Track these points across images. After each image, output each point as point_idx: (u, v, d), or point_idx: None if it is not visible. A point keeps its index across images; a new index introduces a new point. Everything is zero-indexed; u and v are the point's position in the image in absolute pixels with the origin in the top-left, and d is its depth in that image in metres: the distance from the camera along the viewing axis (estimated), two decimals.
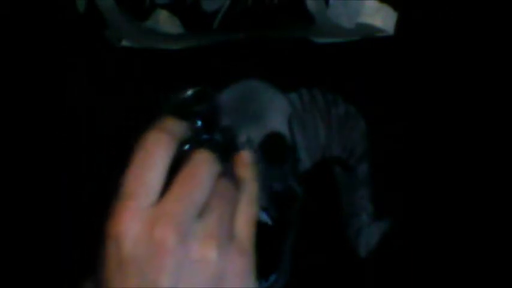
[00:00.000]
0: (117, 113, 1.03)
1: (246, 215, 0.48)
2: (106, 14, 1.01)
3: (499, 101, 1.01)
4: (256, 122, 0.94)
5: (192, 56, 1.03)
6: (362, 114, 0.98)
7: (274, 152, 0.94)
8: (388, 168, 1.00)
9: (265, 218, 0.89)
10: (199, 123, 0.49)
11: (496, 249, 0.98)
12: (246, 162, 0.51)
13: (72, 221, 0.98)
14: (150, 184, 0.45)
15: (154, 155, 0.46)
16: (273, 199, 0.91)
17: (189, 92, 0.51)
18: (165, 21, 1.01)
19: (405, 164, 1.00)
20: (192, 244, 0.44)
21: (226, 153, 0.49)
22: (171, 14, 1.01)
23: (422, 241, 0.99)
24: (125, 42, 1.03)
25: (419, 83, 1.02)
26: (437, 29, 1.02)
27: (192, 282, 0.44)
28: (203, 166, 0.46)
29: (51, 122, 1.04)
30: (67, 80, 1.05)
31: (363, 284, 0.99)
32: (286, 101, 0.96)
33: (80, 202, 0.99)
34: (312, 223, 0.98)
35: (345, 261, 0.99)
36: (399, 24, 1.01)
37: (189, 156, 0.47)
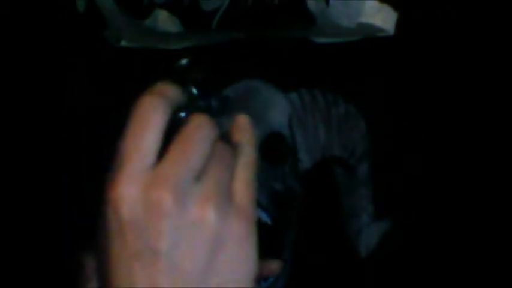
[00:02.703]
0: (117, 113, 1.03)
1: (244, 178, 0.47)
2: (106, 14, 1.01)
3: (499, 100, 1.01)
4: (257, 122, 0.93)
5: (192, 56, 1.03)
6: (362, 114, 0.98)
7: (274, 152, 0.94)
8: (388, 168, 1.00)
9: (265, 218, 0.89)
10: (194, 90, 0.49)
11: (496, 249, 0.98)
12: (242, 126, 0.51)
13: (72, 221, 0.98)
14: (146, 148, 0.45)
15: (149, 118, 0.46)
16: (273, 199, 0.91)
17: (183, 61, 0.51)
18: (164, 21, 1.01)
19: (405, 164, 1.00)
20: (190, 206, 0.44)
21: (222, 118, 0.49)
22: (170, 13, 1.01)
23: (422, 241, 0.99)
24: (124, 43, 1.03)
25: (419, 83, 1.02)
26: (437, 29, 1.02)
27: (191, 244, 0.44)
28: (200, 129, 0.46)
29: (51, 122, 1.04)
30: (67, 80, 1.05)
31: (363, 284, 0.99)
32: (286, 101, 0.96)
33: (80, 202, 0.99)
34: (312, 223, 0.98)
35: (345, 261, 0.99)
36: (399, 24, 1.01)
37: (185, 122, 0.46)
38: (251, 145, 0.50)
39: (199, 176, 0.45)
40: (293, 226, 0.93)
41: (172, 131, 0.46)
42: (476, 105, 1.01)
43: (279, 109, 0.95)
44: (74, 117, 1.03)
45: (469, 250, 0.98)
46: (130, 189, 0.44)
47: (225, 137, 0.49)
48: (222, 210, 0.45)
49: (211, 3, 1.00)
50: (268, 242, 0.90)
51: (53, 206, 1.00)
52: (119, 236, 0.44)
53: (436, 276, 0.98)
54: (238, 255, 0.45)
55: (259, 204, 0.90)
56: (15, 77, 1.04)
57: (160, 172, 0.45)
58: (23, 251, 1.00)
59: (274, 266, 0.65)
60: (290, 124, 0.95)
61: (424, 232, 0.99)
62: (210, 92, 0.51)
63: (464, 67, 1.01)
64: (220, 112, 0.51)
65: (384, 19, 1.00)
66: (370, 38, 1.01)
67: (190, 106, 0.48)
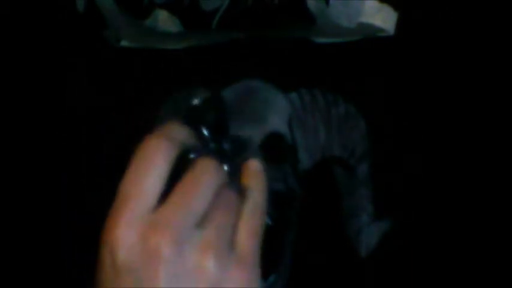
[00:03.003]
0: (116, 113, 1.03)
1: (249, 226, 0.46)
2: (106, 14, 1.01)
3: (499, 100, 1.01)
4: (257, 122, 0.94)
5: (192, 56, 1.03)
6: (362, 114, 0.98)
7: (274, 152, 0.94)
8: (388, 168, 1.00)
9: (265, 210, 0.89)
10: (205, 132, 0.47)
11: (496, 249, 0.98)
12: (253, 171, 0.49)
13: (72, 221, 0.98)
14: (147, 190, 0.44)
15: (153, 160, 0.44)
16: (273, 199, 0.91)
17: (197, 100, 0.49)
18: (164, 21, 1.01)
19: (405, 164, 1.00)
20: (189, 253, 0.43)
21: (234, 162, 0.47)
22: (170, 13, 1.01)
23: (422, 241, 0.99)
24: (124, 43, 1.03)
25: (419, 83, 1.02)
26: (437, 29, 1.02)
27: None
28: (205, 174, 0.44)
29: (51, 122, 1.04)
30: (67, 80, 1.05)
31: (363, 284, 0.99)
32: (286, 101, 0.96)
33: (80, 202, 0.99)
34: (312, 223, 0.98)
35: (345, 261, 0.99)
36: (399, 24, 1.01)
37: (192, 165, 0.44)
38: (260, 191, 0.49)
39: (201, 223, 0.44)
40: (293, 226, 0.93)
41: (181, 173, 0.44)
42: (476, 105, 1.01)
43: (279, 109, 0.95)
44: (74, 117, 1.03)
45: (469, 250, 0.98)
46: (128, 233, 0.43)
47: (235, 182, 0.47)
48: (222, 258, 0.44)
49: (211, 3, 1.00)
50: (268, 242, 0.90)
51: (53, 206, 1.00)
52: (115, 279, 0.43)
53: (436, 276, 0.98)
54: None
55: None
56: (15, 77, 1.04)
57: (160, 217, 0.43)
58: (23, 251, 1.00)
59: None
60: (290, 124, 0.95)
61: (424, 232, 0.99)
62: (222, 134, 0.49)
63: (464, 67, 1.01)
64: (233, 154, 0.48)
65: (384, 19, 1.00)
66: (370, 38, 1.01)
67: (201, 148, 0.46)
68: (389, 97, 1.01)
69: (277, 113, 0.95)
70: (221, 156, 0.46)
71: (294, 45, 1.02)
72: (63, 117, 1.03)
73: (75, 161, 1.02)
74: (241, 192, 0.47)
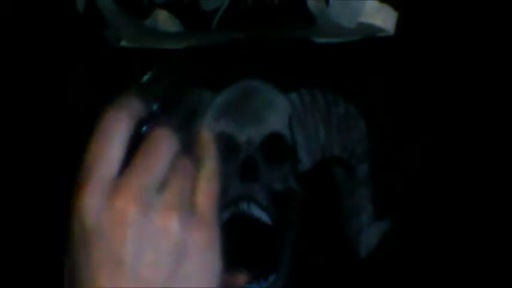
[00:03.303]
0: None
1: (206, 190, 0.49)
2: (105, 14, 1.01)
3: (499, 100, 1.01)
4: (257, 122, 0.94)
5: (192, 56, 1.03)
6: (362, 114, 0.98)
7: (274, 152, 0.94)
8: (388, 168, 1.00)
9: (265, 218, 0.89)
10: (155, 106, 0.50)
11: (496, 249, 0.98)
12: (204, 142, 0.52)
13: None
14: (109, 159, 0.46)
15: (112, 131, 0.47)
16: (273, 199, 0.91)
17: (146, 75, 0.52)
18: (164, 21, 1.01)
19: (405, 164, 1.00)
20: (153, 215, 0.45)
21: (186, 133, 0.50)
22: (170, 13, 1.01)
23: (422, 241, 0.99)
24: (124, 43, 1.03)
25: (419, 83, 1.02)
26: (437, 29, 1.02)
27: (155, 252, 0.45)
28: (161, 141, 0.47)
29: (51, 122, 1.04)
30: (67, 80, 1.05)
31: (363, 284, 0.99)
32: (286, 101, 0.96)
33: None
34: (312, 223, 0.98)
35: (345, 261, 0.99)
36: (399, 24, 1.01)
37: (147, 136, 0.48)
38: (212, 158, 0.51)
39: (161, 187, 0.46)
40: (293, 226, 0.93)
41: (135, 144, 0.47)
42: (476, 105, 1.01)
43: (279, 109, 0.95)
44: (74, 117, 1.03)
45: (469, 250, 0.98)
46: (94, 199, 0.45)
47: (189, 151, 0.50)
48: (184, 219, 0.46)
49: (211, 3, 1.00)
50: (268, 242, 0.90)
51: (52, 206, 1.00)
52: (84, 245, 0.46)
53: (436, 276, 0.98)
54: (201, 263, 0.46)
55: (259, 205, 0.90)
56: (15, 77, 1.04)
57: (124, 182, 0.45)
58: (23, 251, 1.00)
59: (242, 278, 0.65)
60: (290, 124, 0.95)
61: (424, 232, 0.99)
62: (172, 108, 0.52)
63: (465, 67, 1.01)
64: (184, 127, 0.52)
65: (384, 19, 1.00)
66: (370, 38, 1.01)
67: (152, 121, 0.49)
68: (390, 97, 1.01)
69: (277, 113, 0.95)
70: (173, 128, 0.49)
71: (294, 45, 1.02)
72: (63, 117, 1.03)
73: (75, 161, 1.02)
74: (195, 162, 0.49)
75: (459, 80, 1.02)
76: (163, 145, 0.47)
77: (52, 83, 1.05)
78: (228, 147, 0.92)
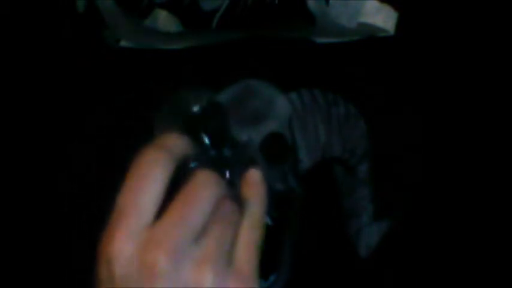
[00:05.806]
0: (116, 113, 1.03)
1: (248, 239, 0.46)
2: (105, 14, 1.01)
3: (500, 101, 1.01)
4: (256, 122, 0.94)
5: (192, 56, 1.03)
6: (362, 114, 0.98)
7: (274, 152, 0.93)
8: (388, 168, 1.00)
9: (265, 218, 0.89)
10: (206, 139, 0.47)
11: (496, 249, 0.98)
12: (253, 181, 0.49)
13: (71, 222, 0.98)
14: (144, 205, 0.43)
15: (150, 174, 0.44)
16: (273, 199, 0.91)
17: (195, 108, 0.48)
18: (164, 21, 1.01)
19: (405, 163, 1.00)
20: (186, 269, 0.42)
21: (235, 168, 0.47)
22: (170, 13, 1.01)
23: (422, 241, 0.99)
24: (123, 43, 1.03)
25: (420, 83, 1.02)
26: (437, 29, 1.02)
27: None
28: (203, 187, 0.44)
29: (51, 122, 1.04)
30: (67, 80, 1.05)
31: (363, 284, 0.99)
32: (286, 101, 0.96)
33: (79, 202, 0.99)
34: (312, 223, 0.98)
35: (345, 261, 0.99)
36: (399, 24, 1.01)
37: (190, 177, 0.44)
38: (259, 203, 0.49)
39: (199, 236, 0.44)
40: (293, 226, 0.93)
41: (180, 181, 0.44)
42: (476, 105, 1.01)
43: (279, 109, 0.95)
44: (73, 117, 1.03)
45: (469, 250, 0.98)
46: (125, 247, 0.43)
47: (234, 190, 0.47)
48: (220, 273, 0.43)
49: (211, 3, 1.00)
50: (268, 242, 0.90)
51: (52, 206, 1.00)
52: None
53: (436, 276, 0.98)
54: None
55: None
56: (15, 77, 1.04)
57: (157, 232, 0.43)
58: (23, 251, 1.00)
59: None
60: (290, 124, 0.95)
61: (424, 232, 0.99)
62: (223, 140, 0.49)
63: (465, 67, 1.01)
64: (234, 160, 0.48)
65: (384, 19, 1.00)
66: (370, 38, 1.01)
67: (201, 156, 0.46)
68: (390, 97, 1.01)
69: (277, 113, 0.95)
70: (222, 163, 0.46)
71: (294, 45, 1.02)
72: (63, 117, 1.03)
73: (74, 161, 1.02)
74: (240, 203, 0.46)
75: (459, 80, 1.02)
76: (207, 191, 0.44)
77: (52, 83, 1.05)
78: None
